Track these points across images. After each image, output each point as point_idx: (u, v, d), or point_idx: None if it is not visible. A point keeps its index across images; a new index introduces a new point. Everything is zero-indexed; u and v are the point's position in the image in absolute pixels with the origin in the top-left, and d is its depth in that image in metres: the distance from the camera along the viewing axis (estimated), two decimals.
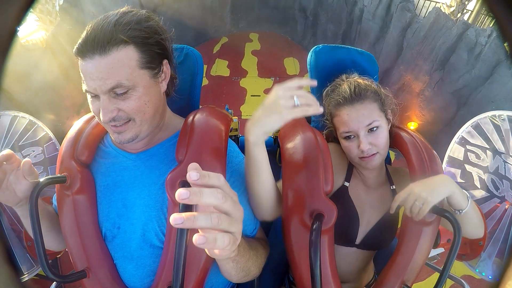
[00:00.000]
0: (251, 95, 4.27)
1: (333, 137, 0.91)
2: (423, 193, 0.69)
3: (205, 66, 4.30)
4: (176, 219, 0.34)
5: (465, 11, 3.43)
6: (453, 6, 3.39)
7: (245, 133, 0.65)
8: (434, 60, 3.34)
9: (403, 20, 3.57)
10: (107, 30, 0.58)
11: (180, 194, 0.34)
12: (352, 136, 0.79)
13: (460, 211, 0.72)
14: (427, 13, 3.56)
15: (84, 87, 0.62)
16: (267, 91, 4.30)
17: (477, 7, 3.77)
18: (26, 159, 0.63)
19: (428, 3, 4.19)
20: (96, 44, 0.58)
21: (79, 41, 0.60)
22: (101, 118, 0.62)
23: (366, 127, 0.78)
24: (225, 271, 0.65)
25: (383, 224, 0.86)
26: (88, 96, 0.64)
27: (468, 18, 3.75)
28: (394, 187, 0.89)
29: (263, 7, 5.28)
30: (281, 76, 4.58)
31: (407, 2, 3.60)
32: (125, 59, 0.60)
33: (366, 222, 0.87)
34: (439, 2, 3.74)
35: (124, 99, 0.61)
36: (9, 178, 0.61)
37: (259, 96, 4.24)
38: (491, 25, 3.46)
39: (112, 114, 0.61)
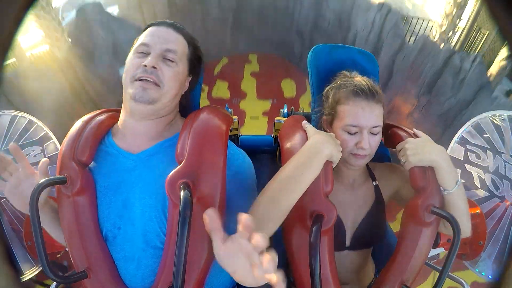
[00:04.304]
0: (250, 117, 4.34)
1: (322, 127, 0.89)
2: (409, 151, 0.76)
3: (206, 87, 4.38)
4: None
5: (457, 29, 3.58)
6: (445, 25, 3.54)
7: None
8: (422, 84, 3.62)
9: (394, 46, 3.84)
10: (171, 22, 0.78)
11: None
12: (354, 132, 0.78)
13: (444, 190, 0.75)
14: (416, 39, 3.77)
15: (139, 41, 0.73)
16: (265, 113, 4.43)
17: (468, 26, 3.81)
18: (45, 159, 0.70)
19: (421, 22, 4.22)
20: (166, 22, 0.77)
21: (152, 22, 0.78)
22: (145, 63, 0.69)
23: (372, 128, 0.78)
24: None
25: (369, 221, 0.86)
26: (131, 55, 0.73)
27: (460, 36, 3.80)
28: (376, 183, 0.89)
29: (262, 29, 5.45)
30: (278, 98, 4.68)
31: (397, 29, 3.80)
32: (181, 43, 0.76)
33: (352, 223, 0.86)
34: (432, 20, 3.83)
35: (167, 65, 0.72)
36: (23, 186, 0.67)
37: (257, 118, 4.33)
38: (477, 51, 3.60)
39: (154, 64, 0.69)
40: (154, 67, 0.69)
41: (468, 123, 1.27)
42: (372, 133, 0.79)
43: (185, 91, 0.81)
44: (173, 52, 0.73)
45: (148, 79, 0.69)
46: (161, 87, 0.70)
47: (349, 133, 0.78)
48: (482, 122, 1.22)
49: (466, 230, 0.79)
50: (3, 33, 0.33)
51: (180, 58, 0.74)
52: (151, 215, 0.68)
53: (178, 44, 0.75)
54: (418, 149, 0.76)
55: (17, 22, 0.34)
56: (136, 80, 0.69)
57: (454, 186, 0.75)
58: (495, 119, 1.19)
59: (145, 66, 0.69)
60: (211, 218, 0.49)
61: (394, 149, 0.89)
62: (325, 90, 0.89)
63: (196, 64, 0.81)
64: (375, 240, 0.89)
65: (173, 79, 0.72)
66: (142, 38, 0.74)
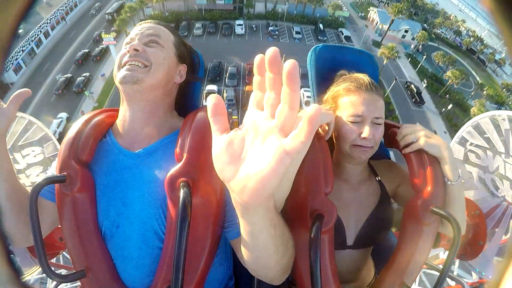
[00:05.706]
0: None
1: None
2: (422, 133, 0.78)
3: None
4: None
5: None
6: None
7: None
8: None
9: None
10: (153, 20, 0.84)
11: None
12: (357, 121, 0.79)
13: (448, 181, 0.78)
14: None
15: (127, 39, 0.78)
16: None
17: None
18: (26, 89, 0.73)
19: None
20: (148, 20, 0.83)
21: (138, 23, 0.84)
22: (127, 48, 0.73)
23: (375, 118, 0.79)
24: (264, 247, 0.53)
25: (375, 219, 0.86)
26: (122, 50, 0.77)
27: None
28: (379, 178, 0.89)
29: None
30: None
31: None
32: (163, 30, 0.81)
33: (356, 221, 0.86)
34: None
35: (151, 46, 0.76)
36: None
37: None
38: None
39: (136, 47, 0.73)
40: (136, 49, 0.73)
41: (468, 123, 1.27)
42: (375, 124, 0.79)
43: (181, 82, 0.82)
44: (155, 35, 0.77)
45: (133, 62, 0.72)
46: (149, 66, 0.73)
47: (352, 123, 0.79)
48: (482, 122, 1.22)
49: (461, 227, 0.80)
50: (3, 33, 0.33)
51: (164, 42, 0.79)
52: (150, 213, 0.68)
53: (159, 30, 0.79)
54: (431, 135, 0.79)
55: (17, 22, 0.34)
56: (122, 66, 0.73)
57: (457, 179, 0.77)
58: (495, 119, 1.19)
59: (128, 51, 0.73)
60: (216, 100, 0.38)
61: (395, 148, 0.89)
62: (327, 92, 0.89)
63: (185, 51, 0.84)
64: (380, 237, 0.88)
65: (160, 59, 0.75)
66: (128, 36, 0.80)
